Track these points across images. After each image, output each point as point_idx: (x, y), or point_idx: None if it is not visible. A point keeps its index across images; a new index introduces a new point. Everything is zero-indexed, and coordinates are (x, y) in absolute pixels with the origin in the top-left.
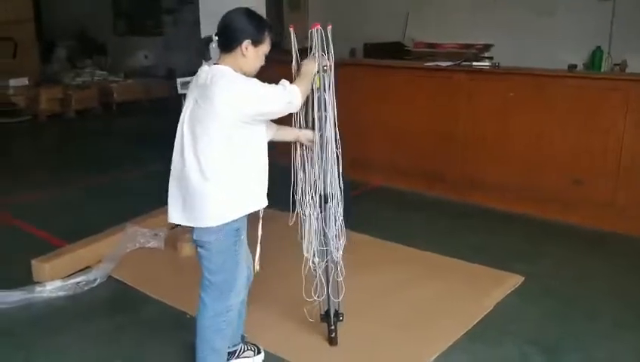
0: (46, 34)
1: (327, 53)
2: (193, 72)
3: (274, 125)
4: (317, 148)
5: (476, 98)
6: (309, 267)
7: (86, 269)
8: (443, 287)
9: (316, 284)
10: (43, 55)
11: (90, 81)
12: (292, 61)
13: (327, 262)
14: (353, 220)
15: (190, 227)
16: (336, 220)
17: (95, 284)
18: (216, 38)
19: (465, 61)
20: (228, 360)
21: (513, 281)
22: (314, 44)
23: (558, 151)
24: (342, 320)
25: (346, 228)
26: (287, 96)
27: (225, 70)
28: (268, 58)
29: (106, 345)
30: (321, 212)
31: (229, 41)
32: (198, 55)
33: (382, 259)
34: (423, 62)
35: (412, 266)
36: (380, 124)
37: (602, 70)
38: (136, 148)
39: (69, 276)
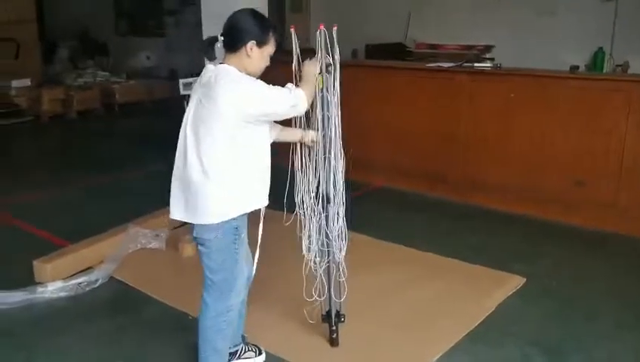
0: (48, 34)
1: (333, 53)
2: (196, 73)
3: (278, 126)
4: (320, 149)
5: (478, 99)
6: (310, 267)
7: (88, 270)
8: (444, 288)
9: (317, 284)
10: (45, 56)
11: (92, 81)
12: (293, 62)
13: (328, 262)
14: (354, 221)
15: (191, 227)
16: (338, 220)
17: (97, 285)
18: (222, 38)
19: (466, 62)
20: (229, 360)
21: (515, 283)
22: (317, 45)
23: (560, 152)
24: (343, 321)
25: (348, 228)
26: (291, 99)
27: (229, 70)
28: (272, 59)
29: (107, 346)
30: (323, 212)
31: (234, 41)
32: (204, 55)
33: (383, 260)
34: (424, 63)
35: (413, 267)
36: (382, 125)
37: (604, 71)
38: (137, 149)
39: (71, 276)
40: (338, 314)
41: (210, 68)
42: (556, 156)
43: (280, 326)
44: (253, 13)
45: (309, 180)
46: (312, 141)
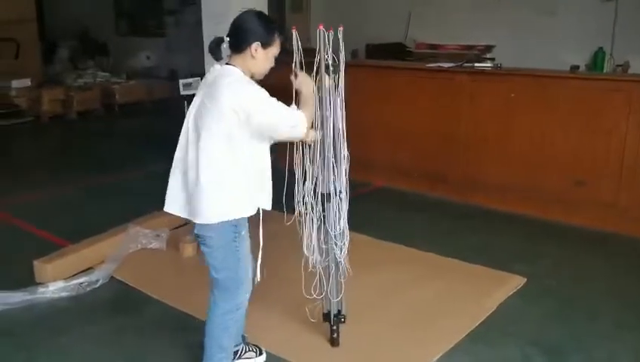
0: (48, 34)
1: (338, 54)
2: (196, 74)
3: None
4: (319, 147)
5: (478, 99)
6: (311, 266)
7: (88, 270)
8: (445, 288)
9: (315, 283)
10: (45, 56)
11: (92, 82)
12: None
13: (328, 261)
14: (354, 221)
15: (192, 226)
16: (339, 219)
17: (97, 285)
18: (227, 38)
19: (467, 62)
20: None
21: (515, 283)
22: (320, 45)
23: (560, 152)
24: (344, 322)
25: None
26: (293, 119)
27: (234, 71)
28: (276, 60)
29: (108, 346)
30: (323, 211)
31: (238, 42)
32: (211, 55)
33: (383, 260)
34: (424, 63)
35: (413, 267)
36: (382, 125)
37: (604, 71)
38: (137, 149)
39: (72, 277)
40: (338, 314)
41: (216, 68)
42: (556, 156)
43: (280, 326)
44: (259, 14)
45: (309, 179)
46: (313, 140)
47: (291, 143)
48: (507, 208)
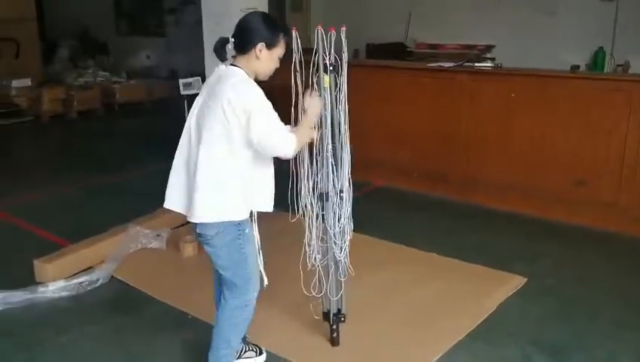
0: (48, 34)
1: (341, 55)
2: (195, 73)
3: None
4: (319, 146)
5: (478, 99)
6: (310, 265)
7: (89, 269)
8: (445, 288)
9: (315, 282)
10: (45, 55)
11: (92, 81)
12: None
13: (327, 259)
14: (354, 220)
15: (193, 225)
16: (339, 218)
17: (98, 285)
18: (233, 39)
19: (467, 62)
20: None
21: (515, 282)
22: (318, 46)
23: (561, 151)
24: (343, 321)
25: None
26: (284, 136)
27: (238, 72)
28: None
29: (108, 345)
30: (322, 210)
31: (243, 43)
32: (216, 55)
33: (383, 260)
34: (425, 63)
35: (414, 266)
36: (383, 125)
37: (605, 71)
38: (137, 149)
39: (72, 276)
40: (338, 314)
41: (220, 68)
42: (557, 156)
43: (281, 325)
44: (264, 15)
45: (309, 178)
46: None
47: None
48: (507, 208)
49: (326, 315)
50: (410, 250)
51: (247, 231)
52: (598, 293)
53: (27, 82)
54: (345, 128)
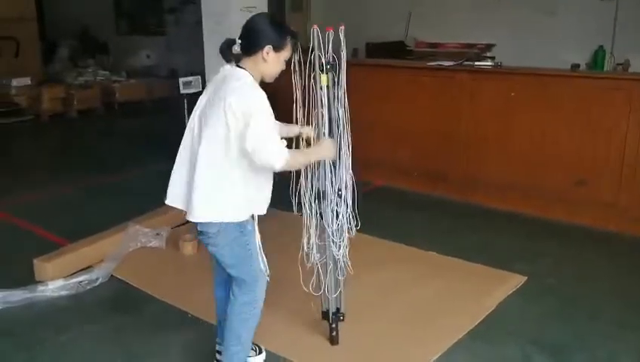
0: (48, 33)
1: (340, 54)
2: (195, 72)
3: (277, 122)
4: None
5: (478, 98)
6: (308, 263)
7: (88, 268)
8: (445, 287)
9: (313, 280)
10: (45, 54)
11: (92, 80)
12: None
13: (325, 258)
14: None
15: (192, 225)
16: (337, 217)
17: (97, 283)
18: (239, 41)
19: (467, 61)
20: None
21: (515, 281)
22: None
23: (561, 151)
24: (342, 320)
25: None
26: (278, 147)
27: (243, 74)
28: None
29: (107, 344)
30: (319, 209)
31: (250, 45)
32: (221, 56)
33: (383, 259)
34: (425, 61)
35: (414, 266)
36: (382, 124)
37: (605, 70)
38: (137, 148)
39: (72, 275)
40: (337, 312)
41: (226, 68)
42: (557, 155)
43: (281, 325)
44: (272, 18)
45: (307, 176)
46: (310, 136)
47: (293, 140)
48: (507, 207)
49: (325, 314)
50: (410, 249)
51: (249, 228)
52: (599, 293)
53: (27, 81)
54: (344, 126)
